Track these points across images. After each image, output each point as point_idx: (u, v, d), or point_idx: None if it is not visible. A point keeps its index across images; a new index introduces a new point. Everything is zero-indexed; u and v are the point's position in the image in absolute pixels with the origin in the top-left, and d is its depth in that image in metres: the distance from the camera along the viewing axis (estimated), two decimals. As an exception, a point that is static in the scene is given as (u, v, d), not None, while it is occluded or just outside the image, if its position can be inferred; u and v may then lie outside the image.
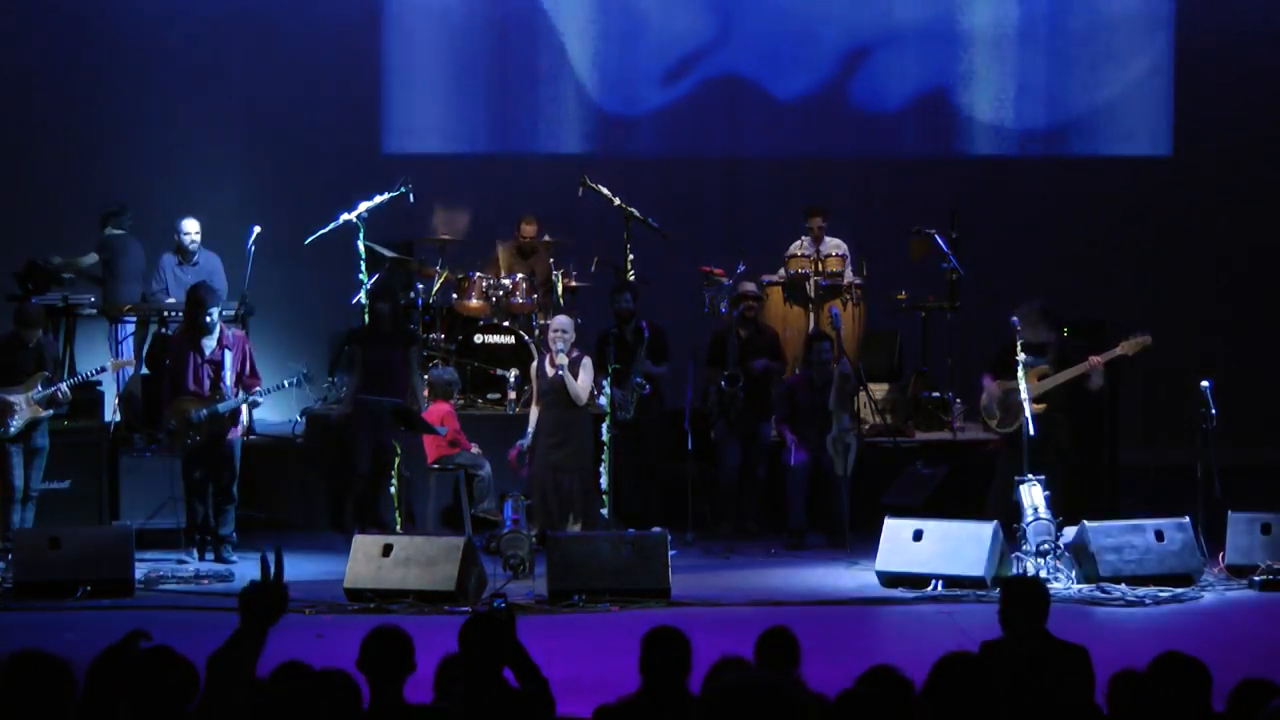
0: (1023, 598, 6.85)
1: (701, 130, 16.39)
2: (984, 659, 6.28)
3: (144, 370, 13.48)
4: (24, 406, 11.74)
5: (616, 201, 13.76)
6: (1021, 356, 11.54)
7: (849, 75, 16.42)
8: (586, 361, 12.05)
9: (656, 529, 11.47)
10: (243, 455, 12.24)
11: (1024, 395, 11.41)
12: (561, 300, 13.94)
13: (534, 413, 12.03)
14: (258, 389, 12.04)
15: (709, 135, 16.40)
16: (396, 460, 12.22)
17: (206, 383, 11.90)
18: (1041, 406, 11.65)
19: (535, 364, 12.12)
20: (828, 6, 16.37)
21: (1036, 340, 11.82)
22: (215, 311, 12.10)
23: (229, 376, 11.91)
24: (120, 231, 14.16)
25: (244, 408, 12.22)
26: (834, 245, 14.15)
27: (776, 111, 16.37)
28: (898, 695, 4.92)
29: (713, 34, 16.40)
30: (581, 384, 11.88)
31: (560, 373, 11.79)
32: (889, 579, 11.04)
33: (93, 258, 14.14)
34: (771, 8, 16.38)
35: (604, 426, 12.09)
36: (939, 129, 16.41)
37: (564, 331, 11.93)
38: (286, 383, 12.25)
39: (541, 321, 13.55)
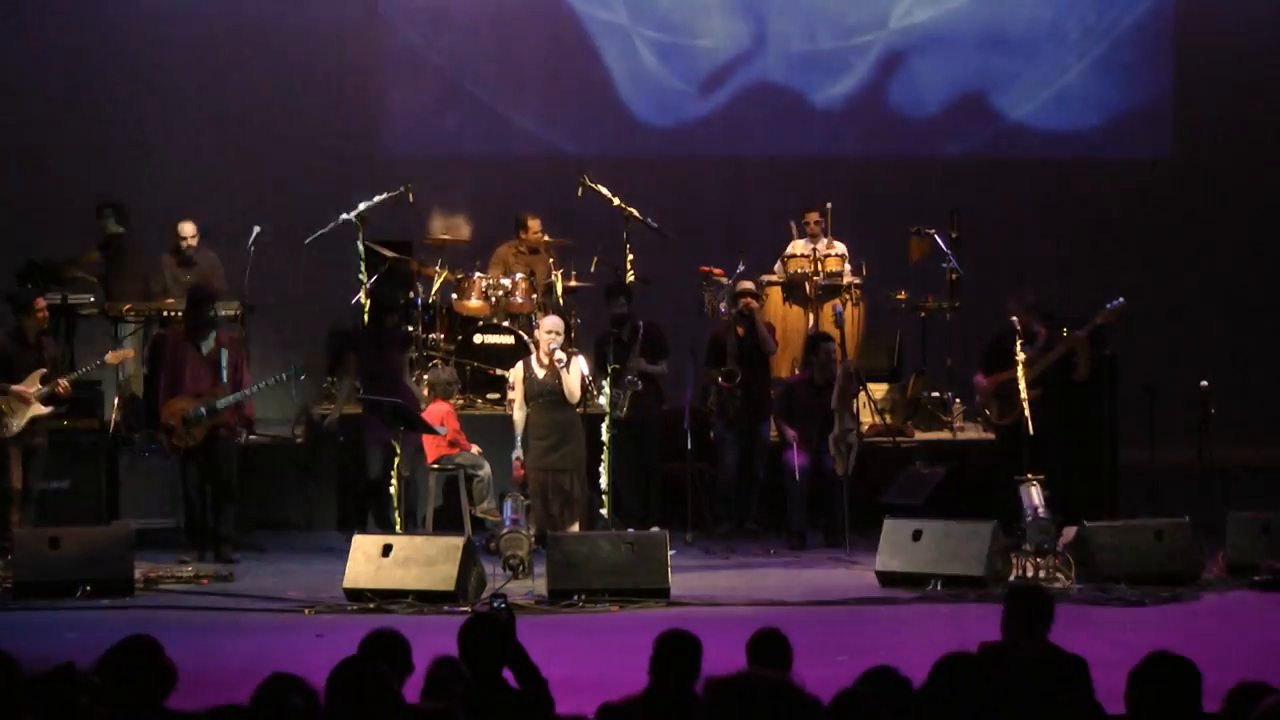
0: (1026, 606, 6.83)
1: (702, 131, 16.40)
2: (982, 659, 6.28)
3: (145, 370, 13.48)
4: (28, 404, 11.74)
5: (616, 201, 13.76)
6: (1021, 356, 11.55)
7: (850, 77, 16.43)
8: (577, 363, 11.99)
9: (655, 529, 11.48)
10: (243, 455, 12.24)
11: (1024, 394, 11.42)
12: (561, 300, 13.93)
13: (519, 416, 11.96)
14: (250, 386, 12.06)
15: (710, 136, 16.41)
16: (396, 460, 12.22)
17: (205, 381, 11.90)
18: (1035, 393, 11.67)
19: (521, 367, 12.03)
20: (829, 9, 16.38)
21: (1028, 330, 11.84)
22: (216, 308, 12.13)
23: (225, 375, 11.91)
24: (122, 229, 14.17)
25: (250, 405, 12.21)
26: (833, 245, 14.14)
27: (777, 112, 16.38)
28: (898, 695, 4.92)
29: (714, 35, 16.40)
30: (573, 380, 11.84)
31: (560, 366, 11.76)
32: (889, 579, 11.03)
33: (94, 254, 14.15)
34: (773, 9, 16.39)
35: (604, 426, 12.09)
36: (939, 129, 16.41)
37: (557, 333, 11.91)
38: (285, 375, 12.23)
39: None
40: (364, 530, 11.68)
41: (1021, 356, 11.57)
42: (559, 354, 11.77)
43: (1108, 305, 11.89)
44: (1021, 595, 7.10)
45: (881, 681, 5.04)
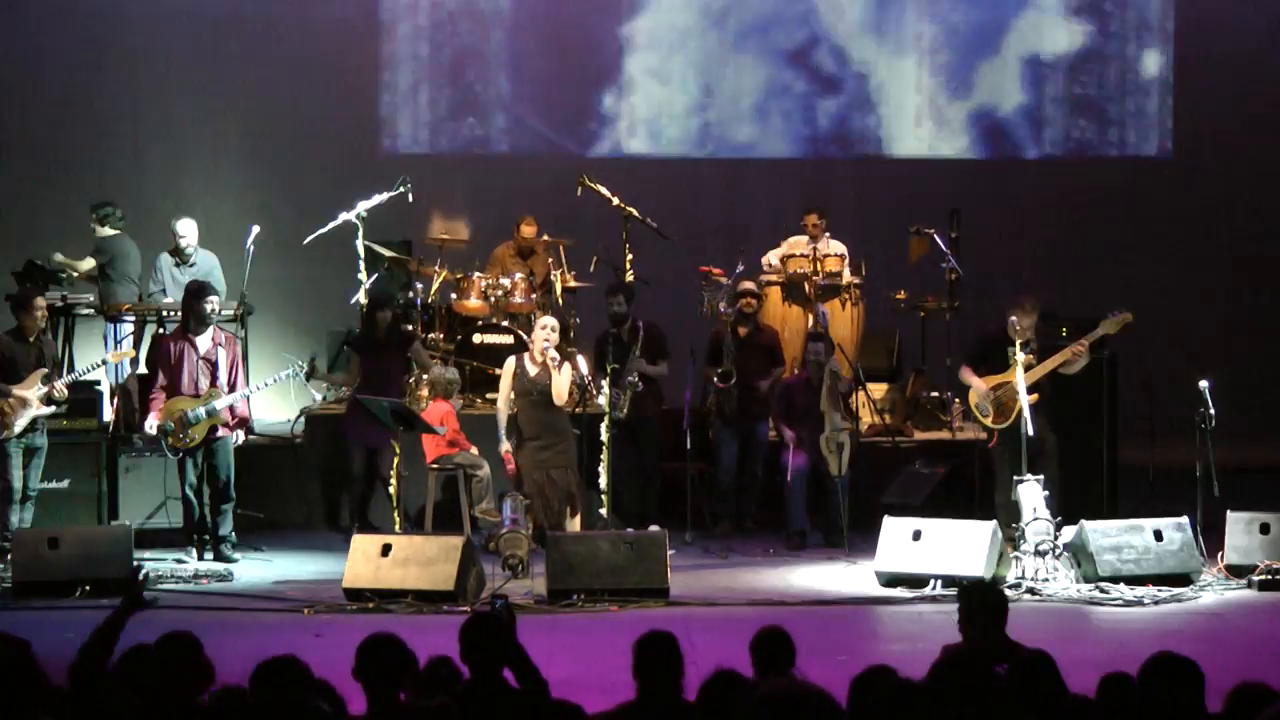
0: (981, 604, 6.81)
1: (702, 131, 16.40)
2: (968, 657, 6.26)
3: (142, 370, 13.46)
4: (29, 404, 11.74)
5: (615, 201, 13.75)
6: (1020, 356, 11.54)
7: (849, 76, 16.43)
8: (567, 366, 11.94)
9: (655, 527, 11.48)
10: (241, 455, 12.24)
11: (1023, 395, 11.41)
12: (560, 300, 13.93)
13: (504, 414, 11.96)
14: (249, 385, 12.07)
15: (710, 136, 16.41)
16: (396, 460, 12.23)
17: (203, 381, 11.90)
18: (1034, 398, 11.64)
19: (513, 362, 12.04)
20: (829, 9, 16.37)
21: (1026, 336, 11.82)
22: (215, 301, 12.12)
23: (223, 375, 11.91)
24: (115, 231, 14.11)
25: (247, 406, 12.21)
26: (832, 245, 14.13)
27: (777, 112, 16.38)
28: (897, 695, 4.91)
29: (712, 34, 16.40)
30: (562, 383, 11.81)
31: (553, 365, 11.75)
32: (888, 579, 11.03)
33: (89, 262, 14.10)
34: (773, 10, 16.39)
35: (603, 426, 12.09)
36: (939, 129, 16.41)
37: (552, 329, 11.93)
38: (285, 374, 12.22)
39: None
40: (351, 529, 11.68)
41: (1021, 358, 11.55)
42: (552, 353, 11.77)
43: (1110, 315, 11.86)
44: (974, 592, 7.06)
45: (880, 681, 5.03)
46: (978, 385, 11.89)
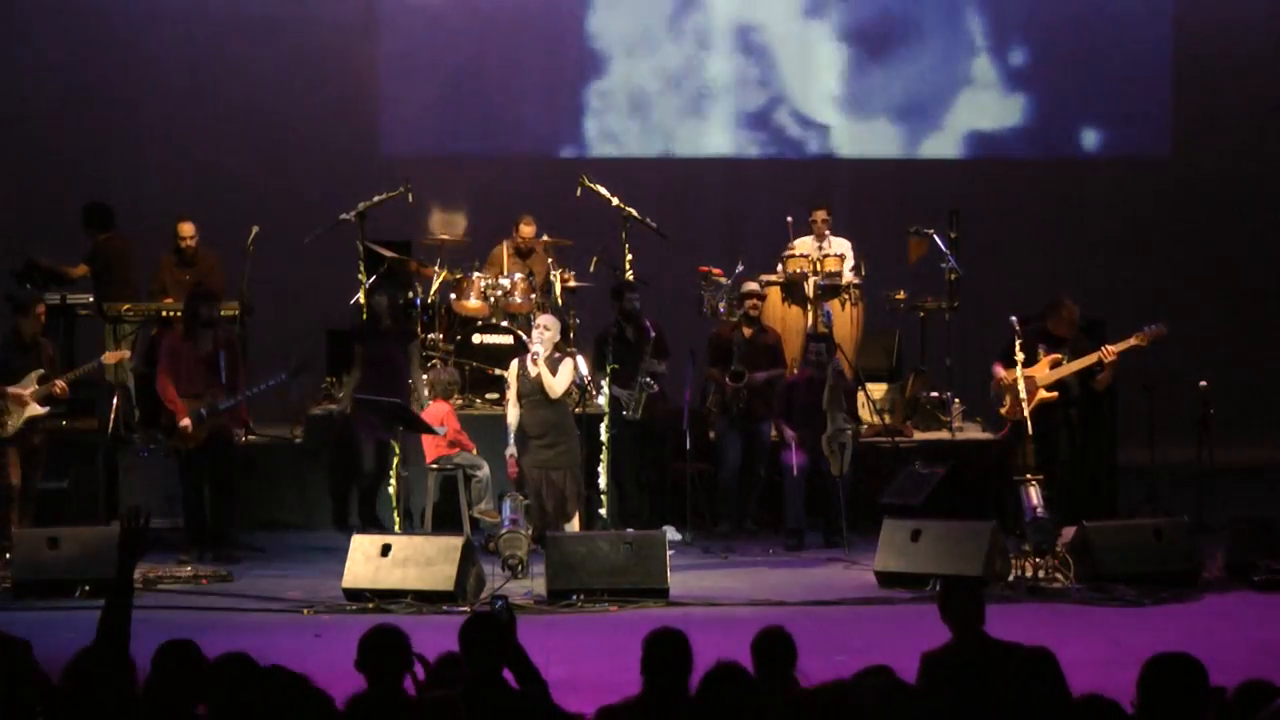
0: (962, 598, 6.82)
1: (702, 131, 16.41)
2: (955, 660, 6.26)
3: (143, 369, 13.46)
4: (25, 404, 11.74)
5: (615, 201, 13.74)
6: (1020, 356, 11.55)
7: (847, 75, 16.44)
8: (569, 363, 11.97)
9: (667, 528, 11.48)
10: (242, 455, 12.23)
11: (1023, 392, 11.42)
12: (560, 300, 13.93)
13: (512, 414, 11.97)
14: (250, 388, 12.06)
15: (709, 136, 16.42)
16: (395, 459, 12.23)
17: (202, 382, 11.89)
18: (1054, 395, 11.63)
19: (516, 365, 12.05)
20: (828, 9, 16.38)
21: (1058, 333, 11.83)
22: (214, 307, 12.12)
23: (224, 376, 11.91)
24: (106, 234, 14.03)
25: (242, 407, 12.23)
26: (837, 244, 14.10)
27: (777, 111, 16.39)
28: (894, 695, 4.92)
29: (713, 34, 16.41)
30: (559, 379, 11.82)
31: (535, 358, 11.75)
32: (888, 579, 11.03)
33: (82, 268, 14.01)
34: (772, 10, 16.39)
35: (602, 426, 12.08)
36: (939, 128, 16.42)
37: (545, 327, 11.93)
38: (285, 375, 12.22)
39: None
40: (360, 529, 11.68)
41: (1020, 357, 11.57)
42: (535, 348, 11.78)
43: (1146, 327, 11.85)
44: (956, 587, 7.06)
45: (877, 681, 5.03)
46: (1000, 374, 11.93)
